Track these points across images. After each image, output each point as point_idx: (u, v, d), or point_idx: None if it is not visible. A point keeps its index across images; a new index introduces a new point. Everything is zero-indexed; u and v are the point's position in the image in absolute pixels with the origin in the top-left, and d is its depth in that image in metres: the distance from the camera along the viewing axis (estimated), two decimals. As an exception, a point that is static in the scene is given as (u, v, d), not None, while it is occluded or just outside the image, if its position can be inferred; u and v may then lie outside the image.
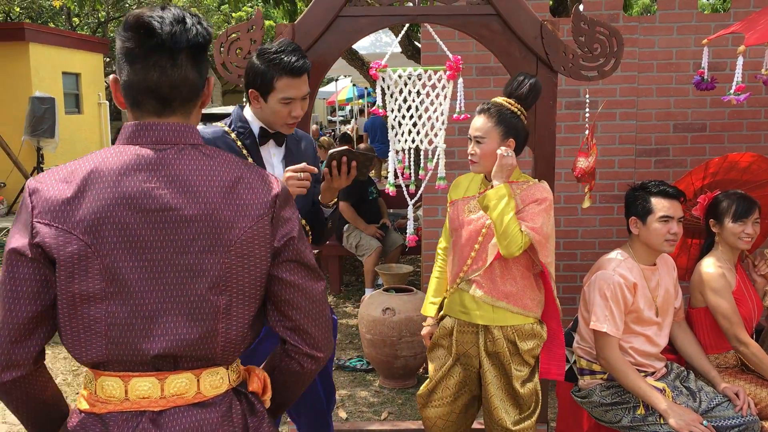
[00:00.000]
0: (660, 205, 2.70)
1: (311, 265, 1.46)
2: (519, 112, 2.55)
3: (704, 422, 2.58)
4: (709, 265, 2.88)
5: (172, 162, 1.35)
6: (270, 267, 1.41)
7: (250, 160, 2.33)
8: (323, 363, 1.49)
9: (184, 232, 1.33)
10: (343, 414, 3.91)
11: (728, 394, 2.72)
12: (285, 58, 2.24)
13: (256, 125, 2.38)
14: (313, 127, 18.05)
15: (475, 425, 2.94)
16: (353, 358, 4.72)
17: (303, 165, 2.32)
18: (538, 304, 2.60)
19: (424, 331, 2.84)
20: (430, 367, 2.78)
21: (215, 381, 1.40)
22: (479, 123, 2.54)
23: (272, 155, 2.43)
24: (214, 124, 2.42)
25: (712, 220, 2.94)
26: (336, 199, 2.50)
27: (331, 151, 2.33)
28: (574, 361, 2.97)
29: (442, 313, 2.75)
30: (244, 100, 2.44)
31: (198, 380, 1.39)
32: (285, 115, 2.31)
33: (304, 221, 2.46)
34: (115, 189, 1.31)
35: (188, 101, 1.40)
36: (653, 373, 2.78)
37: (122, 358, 1.34)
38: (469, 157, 2.57)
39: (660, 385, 2.70)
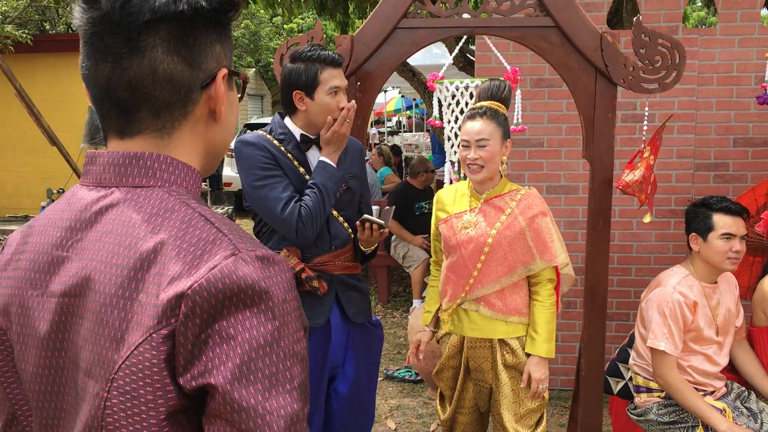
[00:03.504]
0: (722, 222, 2.64)
1: None
2: (505, 114, 2.54)
3: (767, 445, 2.51)
4: None
5: (96, 218, 0.90)
6: (202, 416, 0.81)
7: (296, 163, 2.36)
8: None
9: (79, 332, 0.87)
10: (391, 424, 3.91)
11: None
12: (323, 53, 2.34)
13: (296, 132, 2.40)
14: (372, 132, 18.12)
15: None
16: (401, 368, 4.72)
17: (351, 104, 2.36)
18: None
19: (415, 337, 2.78)
20: (442, 386, 2.75)
21: None
22: (479, 126, 2.47)
23: (316, 161, 2.43)
24: (255, 131, 2.44)
25: None
26: (376, 246, 2.54)
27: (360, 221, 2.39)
28: (630, 378, 2.92)
29: (445, 331, 2.68)
30: (281, 111, 2.47)
31: None
32: (334, 107, 2.35)
33: (349, 230, 2.49)
34: (29, 254, 0.95)
35: (165, 110, 0.90)
36: (713, 393, 2.71)
37: None
38: (470, 163, 2.50)
39: (720, 405, 2.64)
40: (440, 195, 2.71)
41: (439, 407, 2.81)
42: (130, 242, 0.85)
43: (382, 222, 2.36)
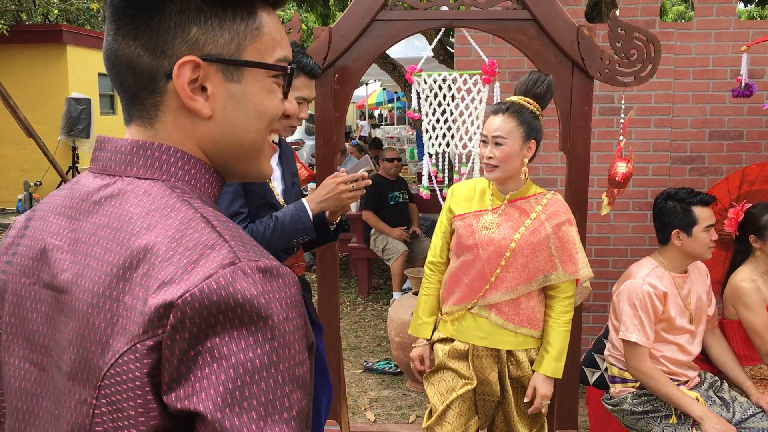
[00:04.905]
0: (703, 214, 2.66)
1: None
2: (538, 112, 2.35)
3: (738, 433, 2.55)
4: (744, 279, 2.81)
5: (94, 208, 0.84)
6: None
7: None
8: None
9: (63, 332, 0.81)
10: (370, 416, 3.93)
11: (762, 406, 2.68)
12: (303, 59, 2.25)
13: None
14: (361, 123, 18.37)
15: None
16: (381, 360, 4.73)
17: (356, 174, 2.25)
18: None
19: (414, 353, 2.57)
20: (431, 392, 2.51)
21: None
22: (498, 122, 2.29)
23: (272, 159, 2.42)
24: None
25: (752, 236, 2.85)
26: (341, 218, 2.43)
27: (365, 169, 2.27)
28: (605, 369, 2.95)
29: (444, 335, 2.49)
30: None
31: None
32: (294, 115, 2.27)
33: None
34: (28, 240, 0.90)
35: (137, 98, 0.85)
36: (686, 383, 2.75)
37: None
38: (485, 161, 2.32)
39: (693, 394, 2.67)
40: (456, 189, 2.52)
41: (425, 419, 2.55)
42: (123, 238, 0.78)
43: (370, 168, 2.28)
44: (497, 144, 2.28)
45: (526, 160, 2.33)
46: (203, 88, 0.83)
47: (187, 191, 0.83)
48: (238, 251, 0.75)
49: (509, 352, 2.41)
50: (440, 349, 2.50)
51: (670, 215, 2.72)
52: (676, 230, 2.69)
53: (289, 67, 0.89)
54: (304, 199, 2.23)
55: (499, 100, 2.97)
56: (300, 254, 2.46)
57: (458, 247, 2.44)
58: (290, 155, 2.54)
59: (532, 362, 2.42)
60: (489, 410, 2.50)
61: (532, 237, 2.32)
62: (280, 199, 2.37)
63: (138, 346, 0.72)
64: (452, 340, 2.47)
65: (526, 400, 2.40)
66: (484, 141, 2.34)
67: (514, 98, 2.36)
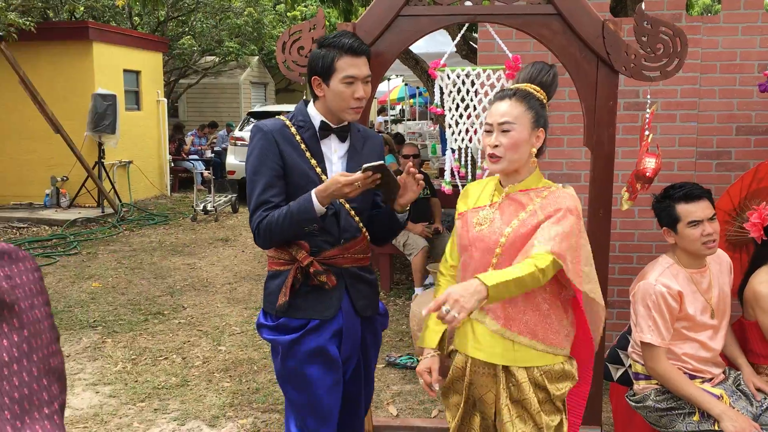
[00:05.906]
0: (685, 210, 2.63)
1: None
2: (545, 101, 2.17)
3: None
4: (762, 282, 2.76)
5: None
6: None
7: (308, 154, 2.33)
8: None
9: None
10: (393, 410, 3.94)
11: (749, 386, 2.67)
12: (344, 40, 2.28)
13: (317, 119, 2.36)
14: (378, 120, 18.45)
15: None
16: (403, 355, 4.75)
17: (357, 176, 2.17)
18: (566, 337, 2.17)
19: (421, 366, 2.28)
20: (449, 416, 2.32)
21: None
22: (505, 107, 2.10)
23: (333, 151, 2.40)
24: (276, 117, 2.43)
25: None
26: (408, 208, 2.44)
27: (365, 165, 2.16)
28: (629, 365, 2.93)
29: (452, 347, 2.30)
30: (305, 96, 2.46)
31: None
32: (348, 97, 2.28)
33: (359, 223, 2.42)
34: None
35: None
36: (711, 380, 2.72)
37: None
38: (489, 152, 2.11)
39: (717, 391, 2.65)
40: (468, 188, 2.36)
41: None
42: None
43: (378, 163, 2.15)
44: (504, 131, 2.08)
45: (534, 150, 2.13)
46: None
47: None
48: None
49: (507, 370, 2.13)
50: (452, 368, 2.29)
51: (659, 214, 2.73)
52: (665, 228, 2.71)
53: None
54: (313, 191, 2.23)
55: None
56: (361, 240, 2.42)
57: (459, 248, 2.28)
58: (372, 148, 2.48)
59: (536, 384, 2.13)
60: (488, 430, 2.26)
61: (522, 229, 2.09)
62: None
63: None
64: (456, 353, 2.28)
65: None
66: (488, 131, 2.14)
67: (520, 84, 2.18)
